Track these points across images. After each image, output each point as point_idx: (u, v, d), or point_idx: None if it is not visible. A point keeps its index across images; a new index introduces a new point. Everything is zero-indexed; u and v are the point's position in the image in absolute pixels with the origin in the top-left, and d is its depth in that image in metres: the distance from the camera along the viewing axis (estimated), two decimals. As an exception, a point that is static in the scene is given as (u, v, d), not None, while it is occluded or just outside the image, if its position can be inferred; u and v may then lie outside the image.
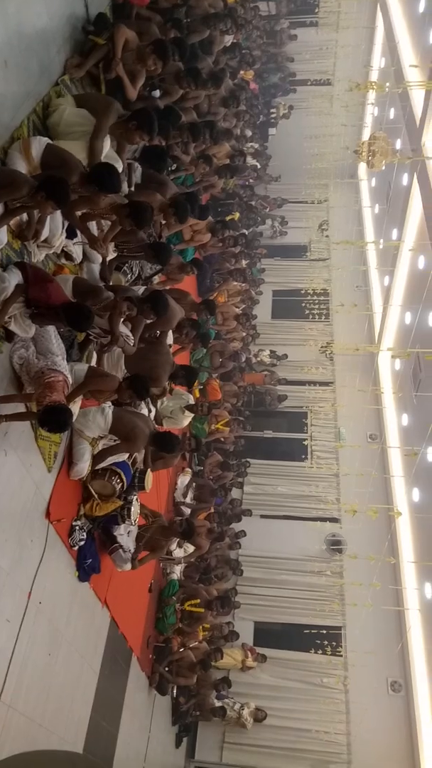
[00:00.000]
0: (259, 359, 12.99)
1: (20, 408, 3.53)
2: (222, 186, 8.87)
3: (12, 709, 3.46)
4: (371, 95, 13.14)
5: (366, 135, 13.12)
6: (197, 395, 8.58)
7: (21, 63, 3.59)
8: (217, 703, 8.52)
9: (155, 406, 5.79)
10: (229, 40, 8.17)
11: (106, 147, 4.18)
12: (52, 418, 3.22)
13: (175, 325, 5.58)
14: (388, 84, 9.75)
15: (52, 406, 3.24)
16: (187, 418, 6.74)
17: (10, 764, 3.42)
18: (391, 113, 10.90)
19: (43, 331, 3.55)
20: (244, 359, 11.88)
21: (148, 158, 4.96)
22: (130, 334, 4.67)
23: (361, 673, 9.17)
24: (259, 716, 8.92)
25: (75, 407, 4.05)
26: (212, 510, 8.58)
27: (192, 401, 6.91)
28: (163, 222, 5.49)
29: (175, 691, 7.65)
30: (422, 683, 8.36)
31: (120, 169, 4.28)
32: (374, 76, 12.94)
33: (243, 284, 10.85)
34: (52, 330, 3.61)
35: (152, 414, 5.76)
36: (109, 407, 4.44)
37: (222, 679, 8.66)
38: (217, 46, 7.48)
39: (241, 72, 10.41)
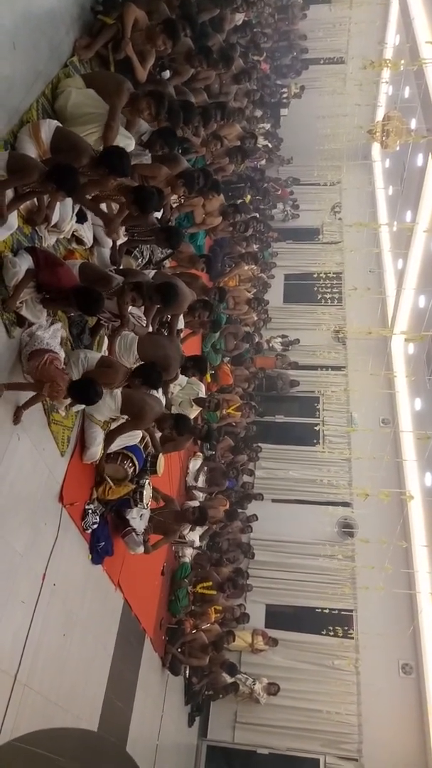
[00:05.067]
0: (270, 346, 12.93)
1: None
2: (233, 169, 8.76)
3: (28, 687, 3.53)
4: (385, 73, 12.88)
5: (380, 114, 12.87)
6: (209, 380, 8.57)
7: (30, 45, 3.55)
8: (230, 680, 8.61)
9: (166, 394, 5.77)
10: (239, 18, 8.03)
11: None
12: (82, 394, 3.44)
13: (186, 309, 5.55)
14: (402, 61, 9.54)
15: (79, 383, 3.40)
16: (195, 411, 6.69)
17: (27, 741, 3.50)
18: (406, 92, 10.69)
19: None
20: (255, 341, 11.81)
21: (160, 134, 4.89)
22: (142, 315, 4.66)
23: (373, 655, 9.23)
24: (272, 690, 8.99)
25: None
26: (227, 505, 8.61)
27: (203, 393, 6.88)
28: (173, 206, 5.43)
29: (187, 672, 7.75)
30: (433, 666, 8.43)
31: (131, 147, 4.24)
32: (389, 53, 12.67)
33: (254, 267, 10.75)
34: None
35: (163, 400, 5.75)
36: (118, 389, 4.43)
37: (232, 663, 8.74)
38: (228, 24, 7.35)
39: (254, 57, 10.20)
